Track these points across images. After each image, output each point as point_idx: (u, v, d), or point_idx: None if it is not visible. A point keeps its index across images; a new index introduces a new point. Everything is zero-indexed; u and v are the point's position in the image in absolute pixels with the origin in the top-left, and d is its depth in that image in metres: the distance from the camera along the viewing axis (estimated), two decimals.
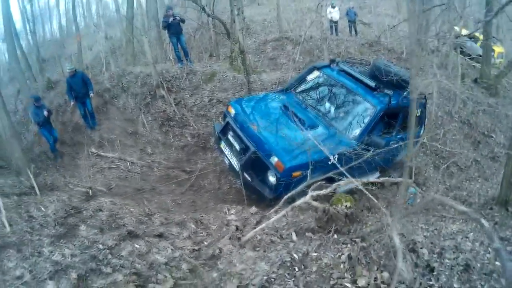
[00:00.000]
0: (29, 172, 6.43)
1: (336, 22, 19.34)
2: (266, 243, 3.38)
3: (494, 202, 5.71)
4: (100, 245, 3.17)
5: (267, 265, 2.94)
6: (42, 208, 4.35)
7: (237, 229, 3.61)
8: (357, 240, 3.39)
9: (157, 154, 9.39)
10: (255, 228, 3.58)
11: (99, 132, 10.10)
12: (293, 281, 2.82)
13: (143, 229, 3.70)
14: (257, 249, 3.28)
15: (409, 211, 3.89)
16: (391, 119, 6.40)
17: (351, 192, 5.69)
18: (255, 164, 5.53)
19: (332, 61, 7.45)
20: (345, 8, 20.98)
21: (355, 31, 20.38)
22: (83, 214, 4.18)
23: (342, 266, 2.99)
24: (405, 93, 6.44)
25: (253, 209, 4.65)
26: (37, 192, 5.51)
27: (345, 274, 2.91)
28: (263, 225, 3.63)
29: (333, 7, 18.66)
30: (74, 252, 3.09)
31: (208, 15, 10.97)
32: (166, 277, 2.71)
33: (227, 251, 3.17)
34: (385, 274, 2.77)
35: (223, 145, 6.40)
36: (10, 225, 3.74)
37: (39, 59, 19.33)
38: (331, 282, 2.83)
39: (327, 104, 6.59)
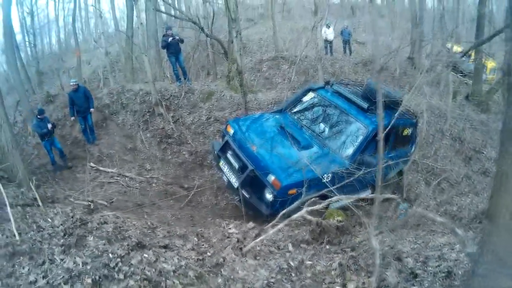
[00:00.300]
0: (31, 184, 6.59)
1: (331, 42, 19.74)
2: (265, 253, 3.67)
3: (484, 216, 6.00)
4: (110, 254, 3.43)
5: (266, 272, 3.24)
6: (49, 219, 4.59)
7: (238, 241, 3.89)
8: (347, 249, 3.72)
9: (155, 170, 9.56)
10: (254, 239, 3.87)
11: (98, 147, 10.32)
12: (290, 284, 3.13)
13: (148, 241, 3.96)
14: (257, 258, 3.58)
15: (395, 223, 4.19)
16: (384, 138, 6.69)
17: (343, 208, 5.96)
18: (253, 182, 5.80)
19: (327, 82, 7.78)
20: (340, 28, 21.46)
21: (350, 50, 20.79)
22: (88, 226, 4.41)
23: (333, 272, 3.30)
24: (396, 114, 6.77)
25: (251, 224, 4.90)
26: (40, 203, 5.70)
27: (336, 279, 3.23)
28: (263, 237, 3.94)
29: (328, 27, 19.10)
30: (85, 260, 3.34)
31: (207, 35, 11.33)
32: (174, 283, 2.97)
33: (230, 259, 3.44)
34: (372, 279, 3.06)
35: (222, 163, 6.65)
36: (19, 234, 3.98)
37: (38, 72, 19.56)
38: (324, 286, 3.14)
39: (322, 125, 6.90)
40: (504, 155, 1.98)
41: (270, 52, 20.72)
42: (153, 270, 3.17)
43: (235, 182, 6.10)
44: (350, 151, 6.24)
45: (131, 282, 2.94)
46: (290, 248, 3.76)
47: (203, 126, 10.78)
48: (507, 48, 1.87)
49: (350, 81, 9.01)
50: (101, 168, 9.35)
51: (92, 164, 9.54)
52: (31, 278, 3.13)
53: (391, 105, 6.75)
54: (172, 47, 11.67)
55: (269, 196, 5.58)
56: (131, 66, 15.49)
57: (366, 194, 6.85)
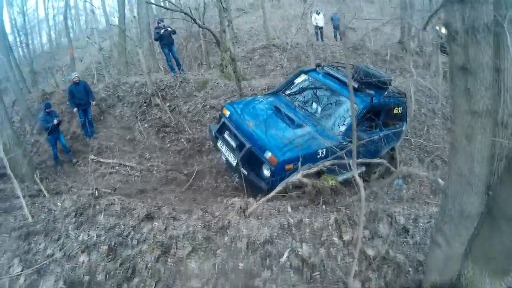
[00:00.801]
0: (35, 176, 6.84)
1: (321, 28, 20.02)
2: (267, 215, 4.00)
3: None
4: (122, 226, 3.72)
5: (269, 229, 3.57)
6: (58, 203, 4.88)
7: (240, 207, 4.19)
8: (342, 208, 4.05)
9: (155, 158, 9.84)
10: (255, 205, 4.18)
11: (97, 140, 10.59)
12: (291, 237, 3.46)
13: (156, 214, 4.25)
14: (260, 218, 3.91)
15: (383, 182, 4.50)
16: (374, 117, 6.99)
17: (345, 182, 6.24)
18: (251, 160, 6.10)
19: (318, 65, 8.07)
20: (330, 14, 21.65)
21: (340, 36, 20.88)
22: (97, 208, 4.69)
23: (330, 227, 3.63)
24: (385, 93, 7.07)
25: (251, 199, 5.19)
26: (46, 194, 5.94)
27: (333, 232, 3.56)
28: (263, 198, 4.36)
29: (318, 13, 19.32)
30: (99, 233, 3.64)
31: (199, 26, 11.52)
32: (184, 244, 3.27)
33: (234, 222, 3.76)
34: (366, 232, 3.36)
35: (220, 143, 6.96)
36: (32, 216, 4.26)
37: (31, 71, 19.68)
38: (322, 239, 3.47)
39: (314, 105, 7.20)
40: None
41: (261, 40, 21.05)
42: (164, 235, 3.47)
43: (233, 161, 6.41)
44: (342, 128, 6.53)
45: (145, 246, 3.24)
46: (289, 210, 4.08)
47: (199, 114, 11.05)
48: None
49: (340, 63, 9.27)
50: (102, 160, 9.62)
51: (92, 156, 9.80)
52: (48, 251, 3.43)
53: (380, 85, 7.06)
54: (165, 39, 11.93)
55: (267, 172, 5.88)
56: (124, 60, 15.71)
57: (361, 170, 7.15)
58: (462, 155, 2.36)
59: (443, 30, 16.18)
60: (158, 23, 11.95)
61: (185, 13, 10.04)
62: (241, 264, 3.20)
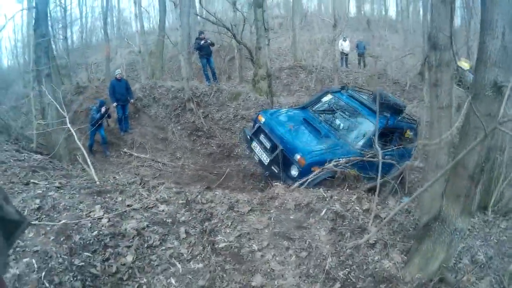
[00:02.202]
0: (78, 157, 7.52)
1: (346, 54, 21.29)
2: (305, 192, 5.17)
3: (475, 209, 7.41)
4: (188, 193, 4.83)
5: (309, 197, 4.76)
6: (116, 176, 5.98)
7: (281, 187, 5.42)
8: (362, 191, 5.30)
9: (185, 159, 10.96)
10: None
11: (131, 135, 11.73)
12: (326, 202, 4.68)
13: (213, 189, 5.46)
14: (301, 193, 5.08)
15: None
16: (388, 137, 8.15)
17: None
18: (282, 160, 7.26)
19: (343, 87, 9.32)
20: (356, 41, 22.91)
21: (364, 63, 22.26)
22: (156, 183, 5.69)
23: (353, 202, 4.84)
24: (399, 117, 8.28)
25: None
26: (92, 171, 6.21)
27: (355, 205, 4.76)
28: (305, 179, 5.82)
29: (345, 40, 20.62)
30: (169, 195, 4.71)
31: (238, 42, 12.84)
32: (244, 206, 4.43)
33: (281, 194, 4.91)
34: (379, 207, 4.58)
35: (254, 144, 8.12)
36: (100, 178, 5.34)
37: (66, 65, 20.81)
38: (348, 207, 4.67)
39: (337, 121, 8.41)
40: None
41: (288, 61, 22.26)
42: (227, 198, 4.66)
43: (265, 160, 7.56)
44: (361, 142, 7.70)
45: (212, 205, 4.41)
46: (322, 191, 5.26)
47: (230, 122, 12.29)
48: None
49: (363, 88, 10.53)
50: (135, 154, 10.70)
51: (125, 150, 10.93)
52: (127, 203, 4.25)
53: (396, 111, 8.28)
54: (204, 50, 13.26)
55: (294, 172, 6.99)
56: (161, 65, 17.09)
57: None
58: (435, 130, 3.76)
59: (463, 64, 17.24)
60: (200, 34, 13.28)
61: (227, 29, 11.38)
62: (291, 217, 4.34)
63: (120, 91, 11.42)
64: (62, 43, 25.18)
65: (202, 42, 13.06)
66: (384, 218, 4.50)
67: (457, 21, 28.92)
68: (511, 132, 3.01)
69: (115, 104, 11.33)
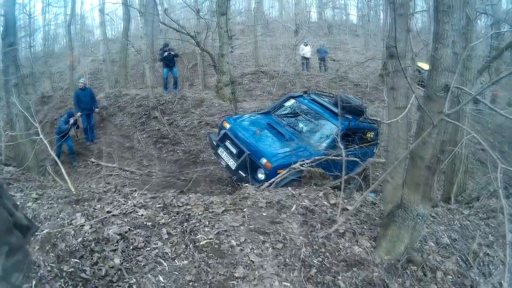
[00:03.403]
0: (48, 168, 7.77)
1: (307, 59, 21.84)
2: (275, 191, 5.56)
3: (439, 199, 7.91)
4: (163, 197, 5.09)
5: (279, 196, 5.15)
6: (91, 185, 6.20)
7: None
8: (328, 188, 5.75)
9: (152, 166, 11.09)
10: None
11: (97, 145, 11.88)
12: (295, 200, 5.09)
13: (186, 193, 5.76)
14: (271, 191, 5.47)
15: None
16: (351, 138, 8.63)
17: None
18: (247, 164, 7.62)
19: (305, 92, 9.78)
20: (317, 46, 23.56)
21: (325, 67, 22.85)
22: (130, 189, 5.95)
23: (320, 197, 5.30)
24: (360, 118, 8.78)
25: None
26: (68, 181, 6.70)
27: (323, 200, 5.21)
28: (273, 179, 6.27)
29: (306, 45, 21.17)
30: (146, 200, 4.90)
31: (202, 50, 13.16)
32: (218, 206, 4.76)
33: (252, 194, 5.26)
34: (345, 201, 5.01)
35: (220, 150, 8.42)
36: (76, 188, 5.54)
37: (33, 73, 20.62)
38: (316, 202, 5.10)
39: (300, 124, 8.84)
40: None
41: (250, 66, 22.74)
42: (201, 200, 4.99)
43: (232, 165, 7.89)
44: (324, 144, 8.16)
45: (188, 207, 4.71)
46: (290, 189, 5.66)
47: (195, 129, 12.56)
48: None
49: (324, 92, 11.04)
50: (102, 163, 10.75)
51: (93, 160, 11.06)
52: (106, 209, 4.40)
53: (357, 113, 8.78)
54: (168, 60, 13.56)
55: (261, 175, 7.34)
56: (124, 73, 17.24)
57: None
58: (394, 129, 4.32)
59: (422, 65, 18.00)
60: (164, 46, 13.58)
61: (191, 36, 11.69)
62: (264, 214, 4.66)
63: (85, 100, 11.58)
64: (25, 51, 24.92)
65: (166, 53, 13.35)
66: (351, 209, 4.98)
67: (419, 25, 30.17)
68: (456, 122, 3.49)
69: (79, 113, 11.46)
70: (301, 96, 9.62)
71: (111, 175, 10.28)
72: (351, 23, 42.84)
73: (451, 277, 4.05)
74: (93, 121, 12.00)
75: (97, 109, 11.99)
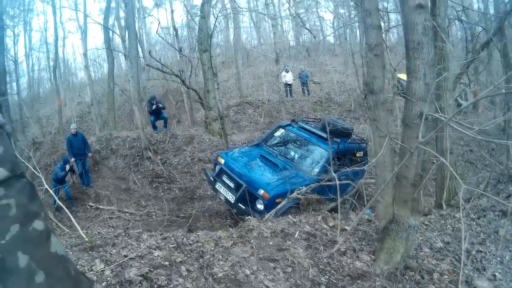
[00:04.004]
0: (49, 212, 7.86)
1: (290, 85, 22.45)
2: (277, 220, 5.94)
3: (433, 206, 8.41)
4: (172, 237, 5.46)
5: (282, 225, 5.54)
6: (98, 230, 6.47)
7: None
8: (325, 212, 6.17)
9: (150, 206, 11.31)
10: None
11: (93, 189, 12.05)
12: (297, 227, 5.49)
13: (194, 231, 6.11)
14: (273, 222, 5.84)
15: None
16: (341, 160, 9.06)
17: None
18: (246, 197, 7.87)
19: (293, 120, 10.25)
20: (298, 70, 24.16)
21: (308, 91, 23.47)
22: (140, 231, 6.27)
23: (319, 221, 5.72)
24: (348, 140, 9.24)
25: None
26: (78, 227, 6.90)
27: (322, 224, 5.63)
28: (274, 210, 6.66)
29: (287, 71, 21.71)
30: (158, 241, 5.22)
31: (187, 87, 13.64)
32: (227, 241, 5.10)
33: (256, 225, 5.60)
34: (343, 222, 5.41)
35: (218, 185, 8.73)
36: (87, 234, 5.82)
37: (20, 119, 20.81)
38: (316, 226, 5.51)
39: (292, 152, 9.26)
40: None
41: (234, 98, 23.33)
42: (209, 237, 5.34)
43: (231, 198, 8.19)
44: (316, 169, 8.55)
45: (199, 244, 5.05)
46: (291, 217, 6.06)
47: (188, 166, 12.92)
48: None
49: (310, 118, 11.53)
50: (101, 207, 10.93)
51: (91, 204, 11.23)
52: (123, 253, 4.61)
53: (344, 135, 9.25)
54: (156, 112, 14.13)
55: (260, 206, 7.69)
56: (113, 115, 17.61)
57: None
58: (379, 154, 4.66)
59: (402, 76, 18.48)
60: (152, 99, 14.06)
61: (176, 75, 12.15)
62: (270, 243, 5.02)
63: (78, 145, 11.79)
64: (11, 98, 25.19)
65: (154, 106, 13.86)
66: (349, 229, 5.41)
67: (395, 36, 31.06)
68: (430, 150, 3.96)
69: (73, 159, 11.63)
70: (289, 124, 10.06)
71: (112, 218, 10.41)
72: (329, 43, 43.78)
73: (447, 276, 4.46)
74: (87, 165, 12.16)
75: (90, 153, 12.21)
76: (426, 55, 4.08)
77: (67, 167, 10.83)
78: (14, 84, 26.65)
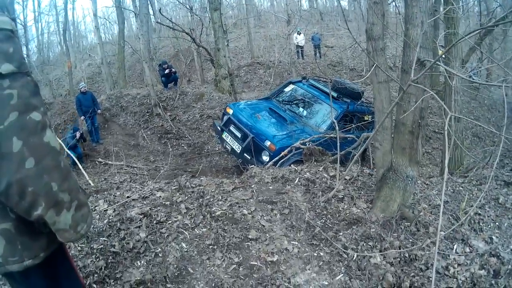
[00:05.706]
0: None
1: (302, 47, 22.25)
2: (278, 168, 5.98)
3: (438, 175, 8.35)
4: (176, 181, 5.51)
5: (283, 172, 5.56)
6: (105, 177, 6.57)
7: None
8: (328, 163, 6.15)
9: (158, 161, 11.47)
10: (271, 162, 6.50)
11: (103, 145, 12.20)
12: (298, 174, 5.51)
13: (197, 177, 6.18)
14: (275, 169, 5.88)
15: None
16: (349, 121, 9.01)
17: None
18: (252, 147, 7.96)
19: (304, 77, 10.16)
20: (310, 33, 23.86)
21: (320, 54, 23.19)
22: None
23: (321, 171, 5.70)
24: (358, 102, 9.16)
25: None
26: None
27: (323, 173, 5.62)
28: (277, 158, 6.78)
29: (299, 33, 21.46)
30: (161, 185, 5.34)
31: (198, 46, 13.56)
32: (228, 184, 5.15)
33: (258, 172, 5.65)
34: (344, 172, 5.42)
35: (225, 135, 8.78)
36: (93, 181, 5.95)
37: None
38: (317, 175, 5.50)
39: (301, 108, 9.24)
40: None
41: (245, 58, 23.13)
42: (211, 181, 5.38)
43: (237, 148, 8.26)
44: (323, 126, 8.55)
45: (201, 187, 5.07)
46: (292, 166, 6.08)
47: (197, 122, 13.00)
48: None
49: (322, 77, 11.43)
50: (110, 162, 11.09)
51: (100, 159, 11.42)
52: (126, 195, 4.73)
53: (354, 96, 9.18)
54: (167, 75, 14.22)
55: (265, 157, 7.73)
56: (123, 74, 17.62)
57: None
58: (378, 101, 4.66)
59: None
60: (163, 64, 14.12)
61: (187, 33, 12.07)
62: (270, 187, 5.08)
63: (86, 104, 11.87)
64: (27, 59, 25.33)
65: (167, 71, 13.94)
66: (349, 180, 5.40)
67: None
68: (422, 86, 3.89)
69: (82, 117, 11.78)
70: (300, 81, 9.99)
71: (120, 172, 10.59)
72: (343, 9, 43.08)
73: (443, 232, 4.44)
74: (96, 122, 12.25)
75: (99, 111, 12.27)
76: (424, 3, 4.05)
77: (77, 134, 10.89)
78: (24, 48, 26.52)
